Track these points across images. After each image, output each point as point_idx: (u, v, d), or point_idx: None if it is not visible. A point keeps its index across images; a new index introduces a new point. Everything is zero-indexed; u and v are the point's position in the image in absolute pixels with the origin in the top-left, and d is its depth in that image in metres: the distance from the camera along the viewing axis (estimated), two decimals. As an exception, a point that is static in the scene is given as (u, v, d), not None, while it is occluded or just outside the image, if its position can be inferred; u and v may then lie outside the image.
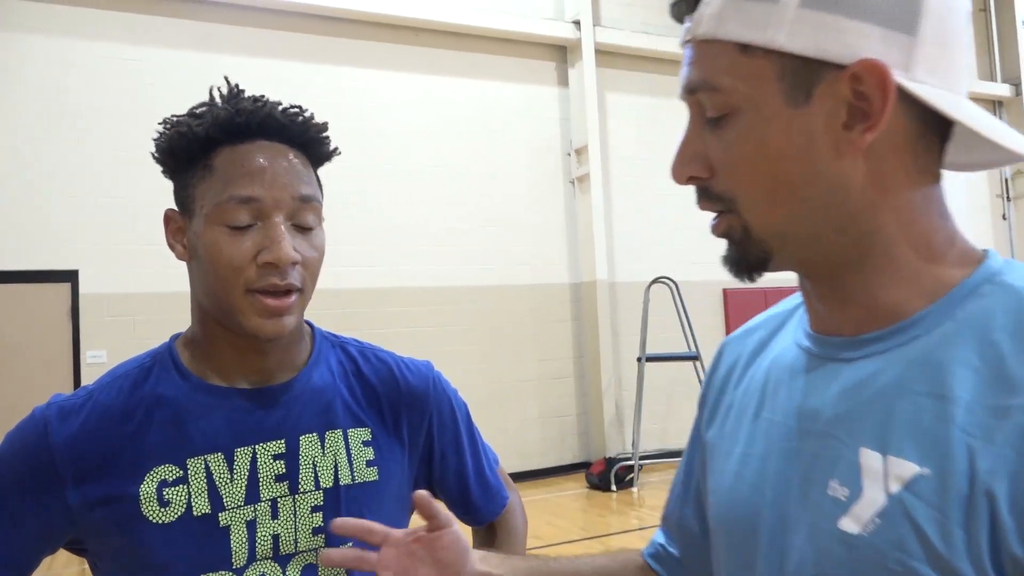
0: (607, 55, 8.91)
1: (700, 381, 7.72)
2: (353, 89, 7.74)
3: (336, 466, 0.93)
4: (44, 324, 6.52)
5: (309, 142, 0.93)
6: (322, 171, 0.99)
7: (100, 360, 6.53)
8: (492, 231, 8.28)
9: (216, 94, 0.91)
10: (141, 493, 0.85)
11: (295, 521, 0.90)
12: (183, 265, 0.94)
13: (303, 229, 0.90)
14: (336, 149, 0.98)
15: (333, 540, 0.90)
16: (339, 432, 0.95)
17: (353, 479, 0.94)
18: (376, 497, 0.95)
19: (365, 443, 0.96)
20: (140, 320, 6.56)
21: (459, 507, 1.10)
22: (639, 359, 7.86)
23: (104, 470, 0.86)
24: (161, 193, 0.94)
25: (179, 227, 0.92)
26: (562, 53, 8.87)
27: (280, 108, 0.92)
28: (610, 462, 7.63)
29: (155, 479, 0.86)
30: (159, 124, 0.91)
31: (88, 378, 6.42)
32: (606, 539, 5.82)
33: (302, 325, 0.99)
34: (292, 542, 0.89)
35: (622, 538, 5.82)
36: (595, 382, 8.51)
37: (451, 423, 1.06)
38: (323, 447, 0.93)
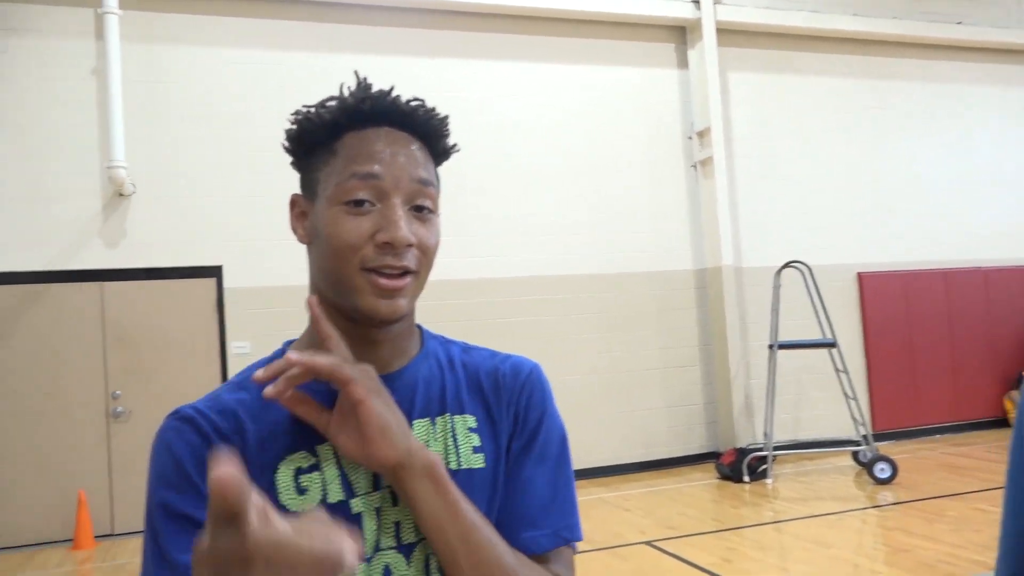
0: (728, 33, 8.63)
1: (837, 369, 7.40)
2: (468, 80, 7.86)
3: (446, 451, 0.93)
4: (193, 317, 7.00)
5: (430, 133, 0.95)
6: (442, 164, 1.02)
7: (244, 351, 6.93)
8: (612, 218, 8.21)
9: (344, 90, 0.94)
10: (278, 481, 0.87)
11: None
12: None
13: (420, 213, 0.91)
14: (455, 145, 1.00)
15: None
16: (447, 417, 0.95)
17: (460, 464, 0.93)
18: (482, 484, 0.93)
19: (471, 430, 0.96)
20: (278, 312, 6.92)
21: (514, 521, 0.93)
22: (771, 346, 7.59)
23: (244, 461, 0.86)
24: (293, 190, 0.98)
25: (303, 211, 0.95)
26: (681, 34, 8.66)
27: (404, 99, 0.94)
28: (741, 452, 7.43)
29: (291, 466, 0.88)
30: (291, 115, 0.95)
31: (234, 368, 6.85)
32: (741, 531, 5.68)
33: (413, 316, 0.99)
34: (412, 529, 0.89)
35: (758, 530, 5.67)
36: (723, 370, 8.29)
37: (535, 423, 0.99)
38: (434, 432, 0.94)
